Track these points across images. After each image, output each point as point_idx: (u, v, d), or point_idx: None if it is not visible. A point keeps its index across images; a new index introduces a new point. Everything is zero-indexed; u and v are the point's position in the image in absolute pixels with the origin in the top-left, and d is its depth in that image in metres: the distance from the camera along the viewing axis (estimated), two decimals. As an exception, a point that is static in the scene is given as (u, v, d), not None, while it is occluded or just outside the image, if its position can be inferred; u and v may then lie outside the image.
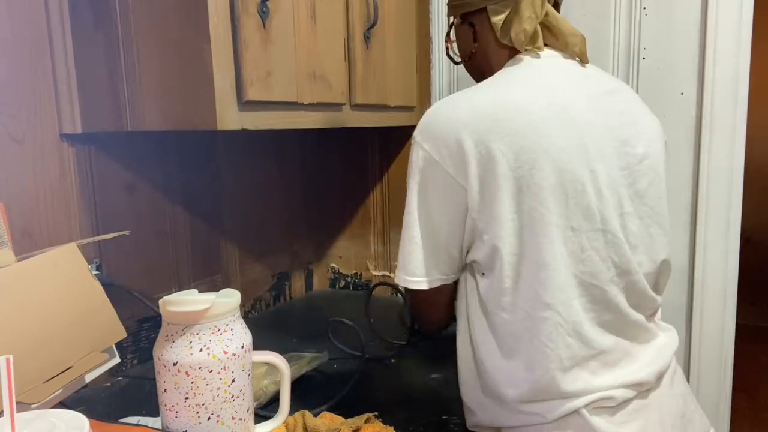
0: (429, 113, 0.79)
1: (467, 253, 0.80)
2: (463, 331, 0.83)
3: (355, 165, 1.63)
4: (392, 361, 1.14)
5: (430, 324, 0.96)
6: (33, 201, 0.96)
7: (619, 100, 0.83)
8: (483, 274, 0.78)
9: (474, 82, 0.92)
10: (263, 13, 0.92)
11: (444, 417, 0.90)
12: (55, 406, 0.76)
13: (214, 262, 1.34)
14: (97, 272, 0.98)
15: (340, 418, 0.84)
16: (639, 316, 0.80)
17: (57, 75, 0.97)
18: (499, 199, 0.73)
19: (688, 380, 1.41)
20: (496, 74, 0.82)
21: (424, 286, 0.80)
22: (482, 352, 0.79)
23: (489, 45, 0.86)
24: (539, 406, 0.76)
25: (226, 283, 1.37)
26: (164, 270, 1.21)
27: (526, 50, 0.82)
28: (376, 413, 0.85)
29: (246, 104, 0.91)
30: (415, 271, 0.80)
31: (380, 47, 1.28)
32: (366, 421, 0.83)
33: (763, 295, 3.64)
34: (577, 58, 0.84)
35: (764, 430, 2.56)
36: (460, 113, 0.76)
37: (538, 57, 0.82)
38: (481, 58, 0.88)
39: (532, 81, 0.79)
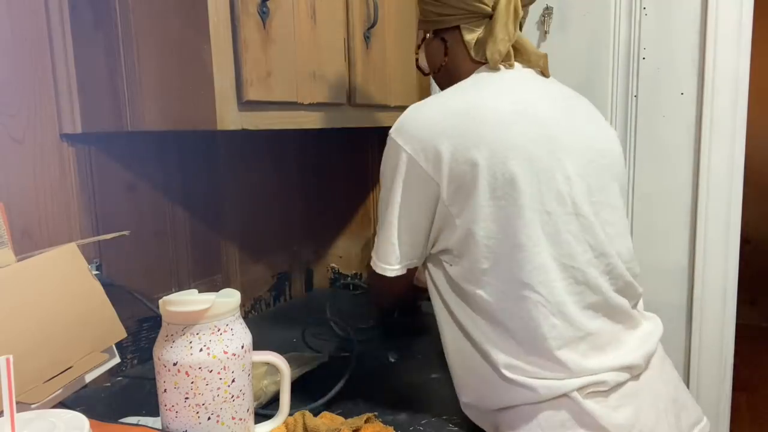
0: (406, 116, 0.83)
1: (435, 243, 0.84)
2: (444, 315, 0.86)
3: (355, 165, 1.63)
4: (392, 360, 1.14)
5: (391, 300, 1.16)
6: (33, 201, 0.96)
7: (581, 104, 0.90)
8: (451, 264, 0.82)
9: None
10: (263, 13, 0.92)
11: (444, 417, 0.90)
12: (55, 406, 0.76)
13: (214, 262, 1.34)
14: (97, 272, 0.98)
15: (340, 418, 0.85)
16: (623, 301, 0.83)
17: (57, 75, 0.97)
18: (476, 189, 0.77)
19: (687, 380, 1.41)
20: (466, 80, 0.87)
21: (402, 272, 0.85)
22: (470, 329, 0.81)
23: (460, 59, 0.91)
24: (532, 381, 0.77)
25: (226, 283, 1.37)
26: (164, 270, 1.21)
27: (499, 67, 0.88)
28: (376, 413, 0.86)
29: (246, 104, 0.91)
30: (395, 261, 0.84)
31: (380, 47, 1.28)
32: (366, 421, 0.83)
33: (763, 295, 3.64)
34: (539, 70, 0.90)
35: (764, 430, 2.56)
36: (436, 115, 0.81)
37: (505, 69, 0.87)
38: (451, 71, 0.93)
39: (499, 85, 0.85)
